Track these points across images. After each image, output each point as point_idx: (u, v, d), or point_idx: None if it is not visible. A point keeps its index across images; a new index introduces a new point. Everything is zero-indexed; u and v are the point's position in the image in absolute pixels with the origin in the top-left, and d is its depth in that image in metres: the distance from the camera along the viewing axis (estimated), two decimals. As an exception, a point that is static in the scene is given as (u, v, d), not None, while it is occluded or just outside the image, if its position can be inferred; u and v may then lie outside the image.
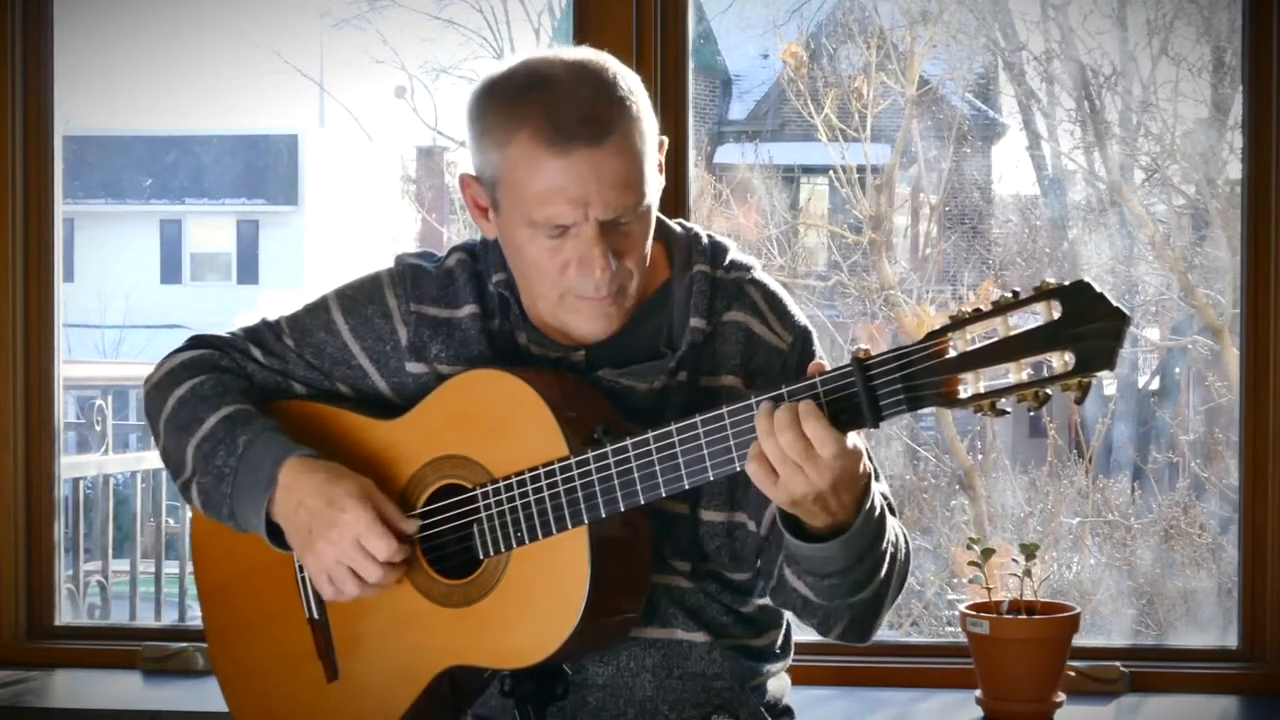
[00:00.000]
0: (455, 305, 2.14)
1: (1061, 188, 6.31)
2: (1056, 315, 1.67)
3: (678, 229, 2.17)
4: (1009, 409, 1.72)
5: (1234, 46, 5.23)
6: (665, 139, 2.09)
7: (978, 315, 1.72)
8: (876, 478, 2.05)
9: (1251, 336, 2.98)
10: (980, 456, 6.06)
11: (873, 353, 1.79)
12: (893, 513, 2.06)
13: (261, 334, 2.22)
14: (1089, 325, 1.66)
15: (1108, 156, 6.05)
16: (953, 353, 1.73)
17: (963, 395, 1.73)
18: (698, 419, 1.88)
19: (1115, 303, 1.66)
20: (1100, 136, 6.02)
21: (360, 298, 2.19)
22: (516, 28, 6.88)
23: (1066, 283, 1.68)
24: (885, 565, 1.97)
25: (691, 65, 3.07)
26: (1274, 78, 2.94)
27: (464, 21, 7.00)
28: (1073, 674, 2.85)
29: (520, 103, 1.97)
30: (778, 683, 2.22)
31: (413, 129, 7.83)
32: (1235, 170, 5.44)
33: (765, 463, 1.82)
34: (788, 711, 2.23)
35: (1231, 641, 3.03)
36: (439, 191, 7.64)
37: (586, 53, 2.03)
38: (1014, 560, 2.79)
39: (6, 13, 3.20)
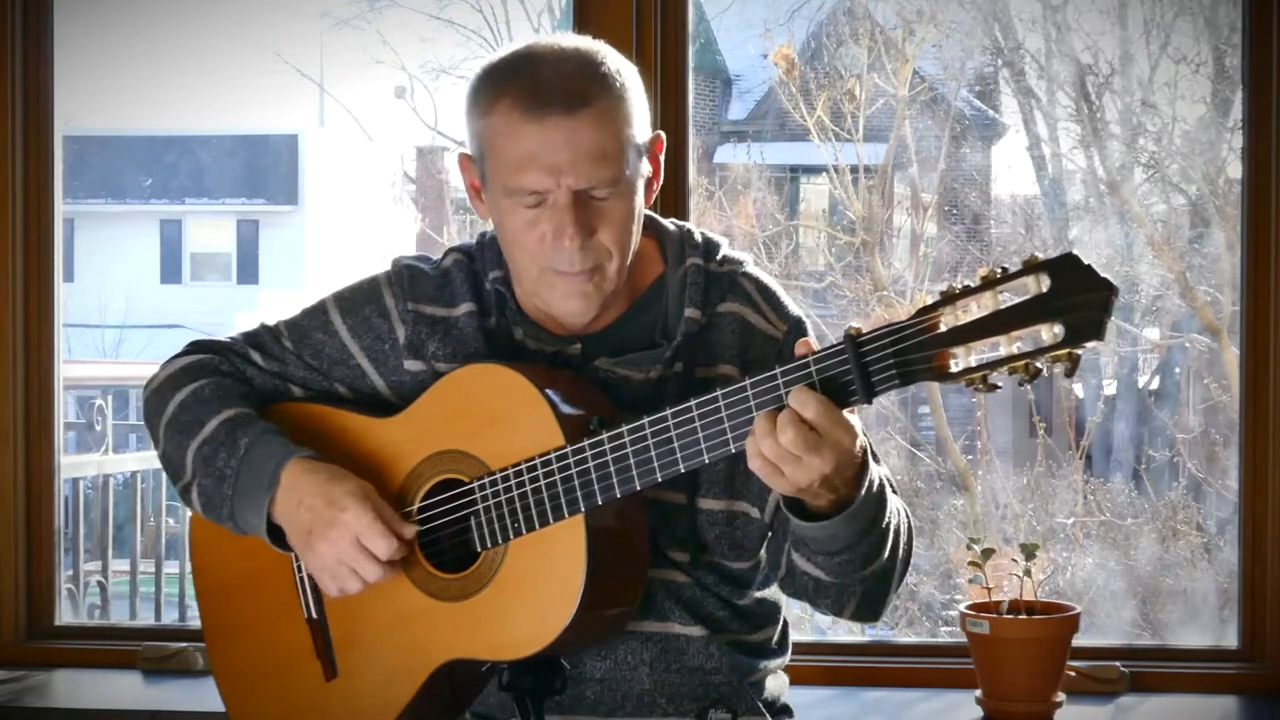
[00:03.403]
0: (452, 304, 2.15)
1: (1060, 187, 6.31)
2: (1045, 288, 1.69)
3: (670, 226, 2.19)
4: (1000, 383, 1.73)
5: (1234, 46, 5.23)
6: (662, 135, 2.10)
7: (968, 291, 1.73)
8: (876, 460, 2.06)
9: (1251, 336, 2.98)
10: (976, 457, 6.06)
11: (865, 330, 1.80)
12: (894, 491, 2.07)
13: (260, 338, 2.23)
14: (1077, 297, 1.67)
15: (1106, 156, 6.05)
16: (944, 328, 1.74)
17: (954, 369, 1.74)
18: (692, 403, 1.89)
19: (1103, 274, 1.67)
20: (1099, 135, 6.02)
21: (358, 298, 2.20)
22: (516, 28, 6.89)
23: (1054, 255, 1.69)
24: (890, 539, 1.99)
25: (691, 65, 3.07)
26: (1274, 77, 2.95)
27: (464, 21, 7.01)
28: (1073, 674, 2.85)
29: (505, 75, 2.01)
30: (776, 680, 2.22)
31: (413, 129, 7.84)
32: (1234, 169, 5.43)
33: (769, 462, 1.83)
34: (786, 710, 2.24)
35: (1229, 641, 3.03)
36: (439, 191, 7.65)
37: (585, 40, 2.07)
38: (1014, 560, 2.79)
39: (6, 13, 3.20)
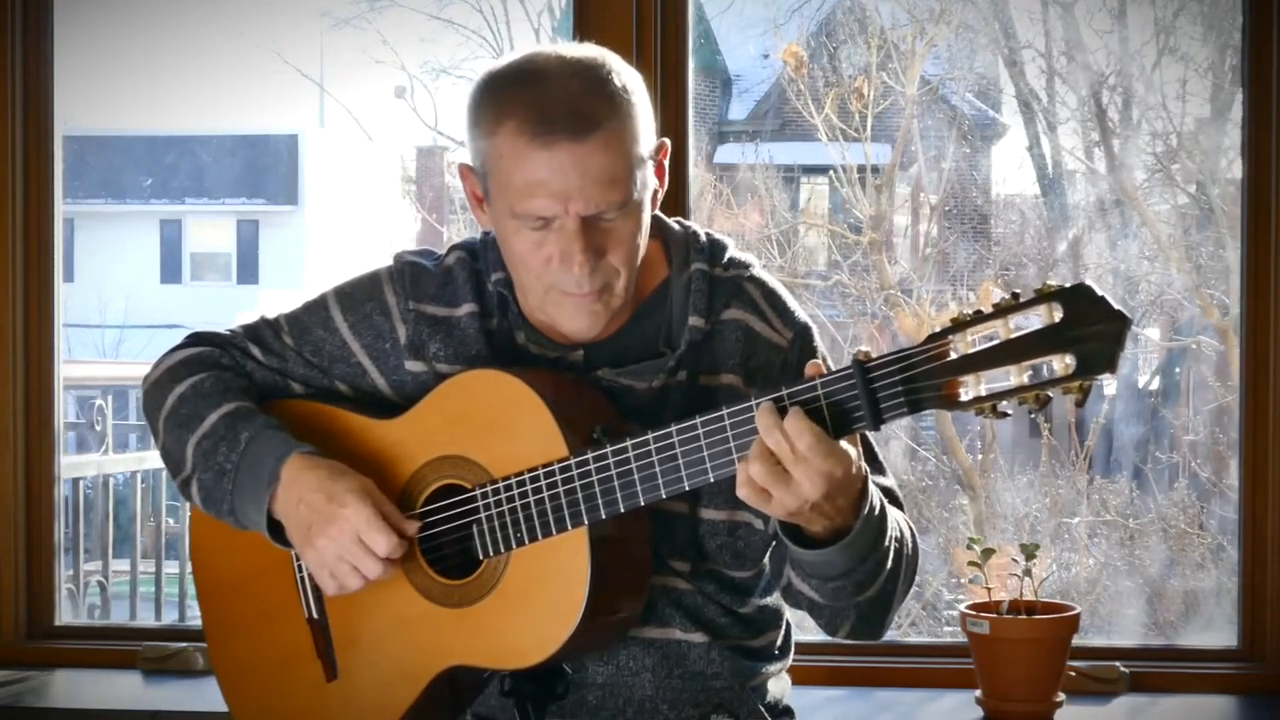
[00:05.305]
0: (454, 304, 2.14)
1: (1064, 187, 6.31)
2: (1058, 318, 1.67)
3: (676, 227, 2.17)
4: (1010, 411, 1.72)
5: (1236, 45, 5.23)
6: (667, 142, 2.08)
7: (979, 317, 1.72)
8: (882, 472, 2.05)
9: (1252, 336, 2.98)
10: (980, 456, 6.06)
11: (873, 354, 1.79)
12: (899, 506, 2.06)
13: (261, 332, 2.21)
14: (1090, 328, 1.65)
15: (1111, 155, 6.05)
16: (954, 355, 1.73)
17: (964, 398, 1.72)
18: (698, 420, 1.88)
19: (1116, 305, 1.66)
20: (1104, 135, 6.02)
21: (359, 295, 2.18)
22: (516, 27, 6.89)
23: (1068, 285, 1.68)
24: (890, 562, 1.97)
25: (691, 65, 3.07)
26: (1274, 77, 2.94)
27: (464, 21, 7.01)
28: (1073, 674, 2.85)
29: (510, 94, 1.97)
30: (778, 683, 2.21)
31: (413, 129, 7.84)
32: (1239, 169, 5.44)
33: (755, 485, 1.82)
34: (788, 712, 2.23)
35: (1232, 642, 3.03)
36: (439, 192, 7.65)
37: (588, 49, 2.03)
38: (1014, 560, 2.78)
39: (6, 13, 3.19)
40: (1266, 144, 2.95)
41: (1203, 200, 5.82)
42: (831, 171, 6.06)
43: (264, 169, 11.66)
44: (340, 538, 1.99)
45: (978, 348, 1.72)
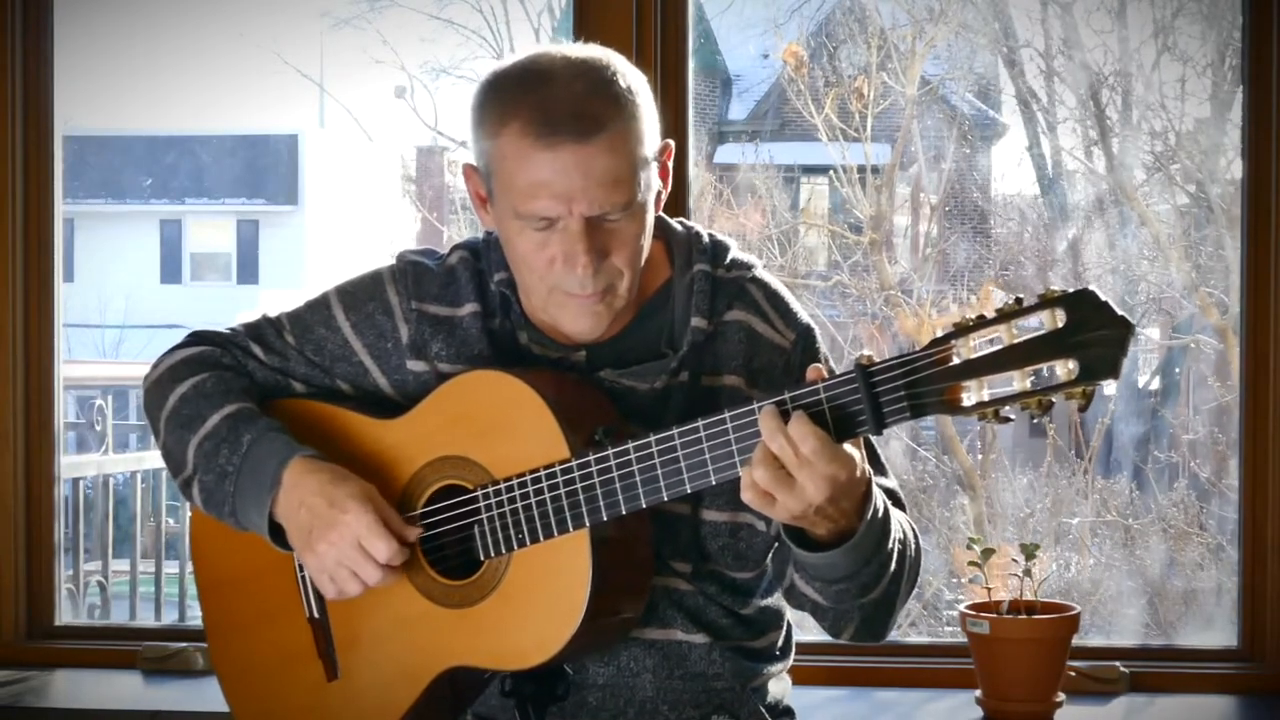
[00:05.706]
0: (457, 304, 2.14)
1: (1063, 187, 6.31)
2: (1060, 323, 1.67)
3: (678, 228, 2.17)
4: (1012, 416, 1.71)
5: (1235, 45, 5.23)
6: (671, 143, 2.08)
7: (981, 322, 1.72)
8: (884, 473, 2.04)
9: (1252, 335, 2.98)
10: (980, 456, 6.05)
11: (875, 359, 1.79)
12: (902, 507, 2.06)
13: (262, 330, 2.21)
14: (1093, 333, 1.65)
15: (1110, 155, 6.04)
16: (956, 360, 1.73)
17: (966, 403, 1.72)
18: (699, 423, 1.88)
19: (1120, 311, 1.66)
20: (1103, 135, 6.02)
21: (362, 294, 2.18)
22: (516, 27, 6.90)
23: (1071, 290, 1.68)
24: (893, 564, 1.97)
25: (691, 65, 3.07)
26: (1274, 76, 2.94)
27: (464, 21, 7.01)
28: (1073, 674, 2.85)
29: (514, 95, 1.97)
30: (778, 684, 2.21)
31: (413, 129, 7.85)
32: (1239, 168, 5.43)
33: (759, 489, 1.82)
34: (788, 712, 2.23)
35: (1232, 641, 3.03)
36: (439, 191, 7.65)
37: (593, 50, 2.03)
38: (1014, 560, 2.78)
39: (6, 13, 3.20)
40: (1266, 144, 2.95)
41: (1202, 199, 5.82)
42: (831, 171, 6.05)
43: (264, 169, 11.67)
44: (341, 543, 1.99)
45: (980, 352, 1.71)
